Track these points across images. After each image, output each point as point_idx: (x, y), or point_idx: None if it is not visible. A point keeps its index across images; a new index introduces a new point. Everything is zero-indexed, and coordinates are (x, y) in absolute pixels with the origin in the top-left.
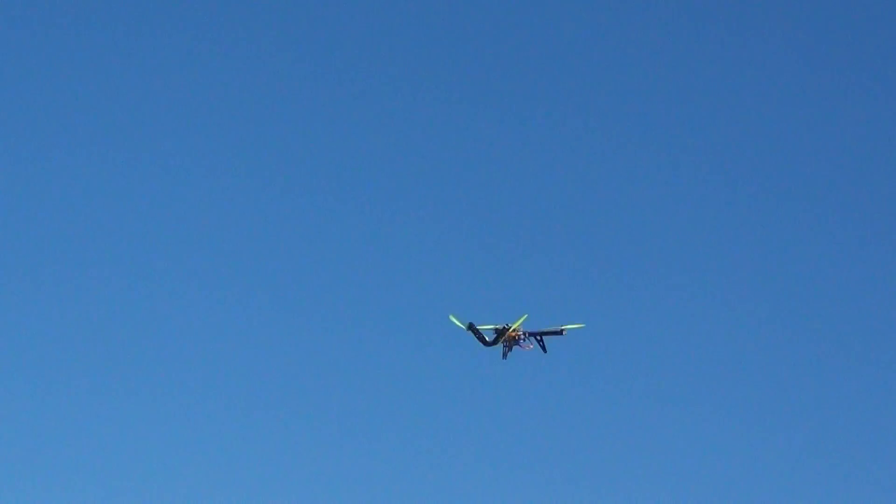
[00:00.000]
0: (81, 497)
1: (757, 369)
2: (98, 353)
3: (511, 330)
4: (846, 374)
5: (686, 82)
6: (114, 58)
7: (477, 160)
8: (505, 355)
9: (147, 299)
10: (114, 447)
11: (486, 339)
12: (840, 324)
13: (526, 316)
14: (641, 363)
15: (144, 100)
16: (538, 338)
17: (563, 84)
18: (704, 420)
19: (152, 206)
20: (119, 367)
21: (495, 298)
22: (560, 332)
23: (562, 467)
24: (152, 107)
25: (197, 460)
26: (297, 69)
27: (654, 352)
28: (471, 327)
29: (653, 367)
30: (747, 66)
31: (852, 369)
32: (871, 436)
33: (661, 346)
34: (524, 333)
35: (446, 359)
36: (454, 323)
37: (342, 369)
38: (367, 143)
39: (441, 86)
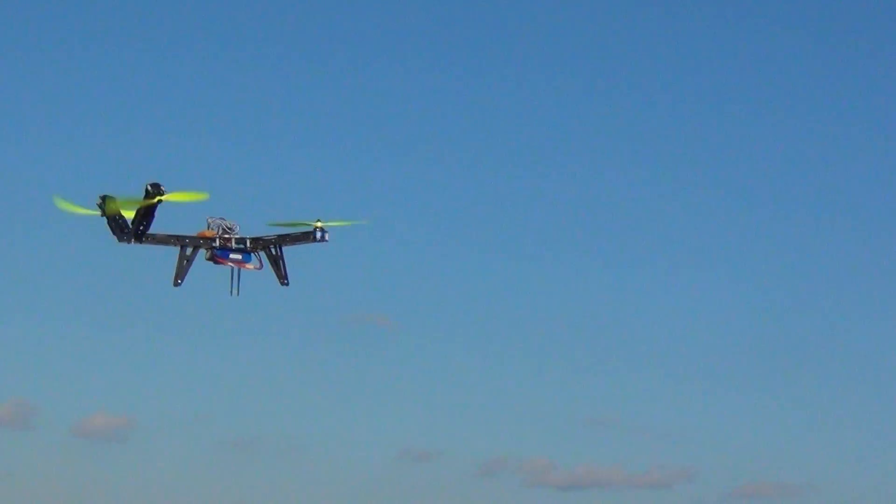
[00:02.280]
0: None
1: None
2: None
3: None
4: None
5: None
6: None
7: None
8: (181, 276)
9: None
10: None
11: (121, 226)
12: None
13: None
14: None
15: None
16: (272, 253)
17: None
18: None
19: None
20: None
21: None
22: (313, 236)
23: None
24: None
25: None
26: None
27: None
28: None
29: None
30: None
31: None
32: None
33: None
34: (239, 239)
35: None
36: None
37: None
38: None
39: None
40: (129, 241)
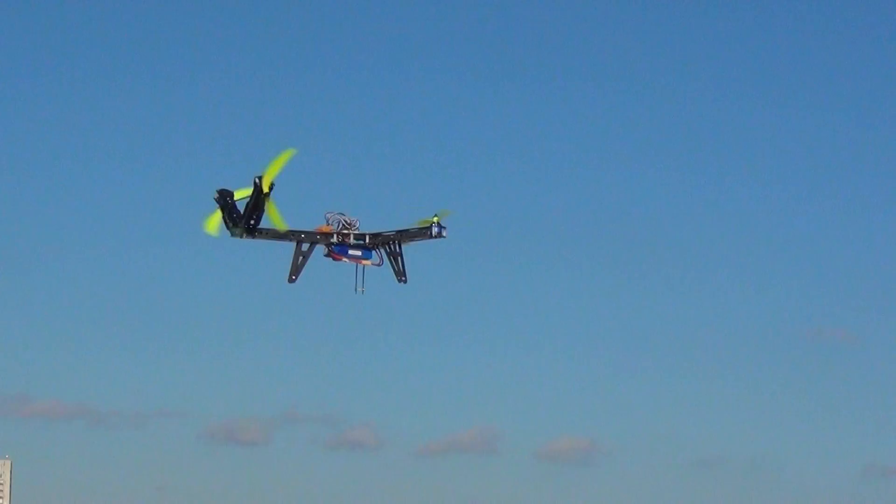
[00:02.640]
0: None
1: None
2: None
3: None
4: None
5: None
6: None
7: None
8: (296, 272)
9: None
10: None
11: (232, 216)
12: None
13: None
14: None
15: None
16: (391, 248)
17: None
18: None
19: None
20: None
21: None
22: (430, 232)
23: None
24: None
25: None
26: None
27: None
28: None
29: None
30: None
31: None
32: None
33: None
34: (358, 235)
35: None
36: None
37: None
38: None
39: None
40: (241, 236)
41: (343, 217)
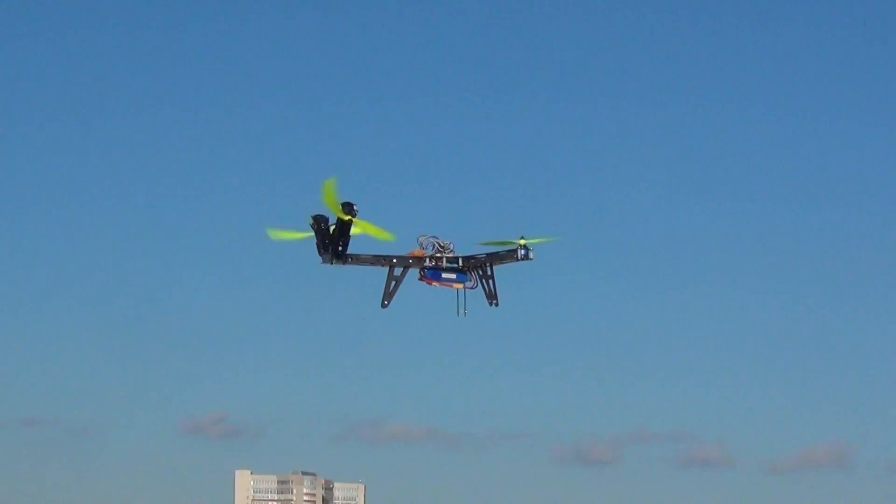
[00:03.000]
0: None
1: None
2: None
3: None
4: None
5: None
6: None
7: None
8: (388, 298)
9: None
10: None
11: (325, 243)
12: None
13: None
14: None
15: None
16: (483, 271)
17: None
18: None
19: None
20: None
21: None
22: (517, 255)
23: None
24: None
25: None
26: None
27: None
28: (317, 223)
29: None
30: None
31: None
32: None
33: None
34: (452, 258)
35: None
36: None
37: None
38: None
39: None
40: (330, 262)
41: (437, 240)
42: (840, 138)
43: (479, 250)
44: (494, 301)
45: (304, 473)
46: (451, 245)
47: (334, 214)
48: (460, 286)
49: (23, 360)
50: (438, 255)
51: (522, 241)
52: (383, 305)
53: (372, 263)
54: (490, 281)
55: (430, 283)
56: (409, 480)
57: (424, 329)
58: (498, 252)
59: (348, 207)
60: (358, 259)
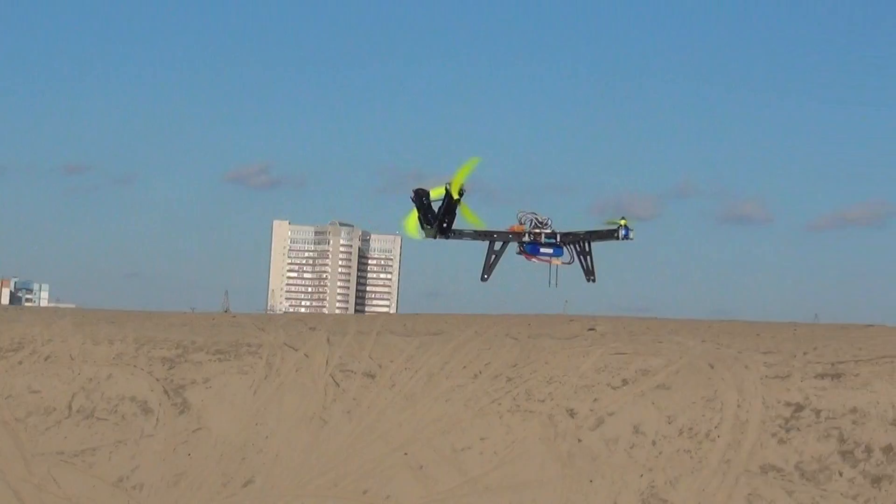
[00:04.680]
0: None
1: None
2: None
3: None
4: None
5: None
6: None
7: None
8: (488, 271)
9: None
10: None
11: (427, 218)
12: None
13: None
14: None
15: None
16: (580, 247)
17: None
18: None
19: None
20: None
21: None
22: (617, 234)
23: None
24: None
25: None
26: None
27: None
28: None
29: None
30: None
31: None
32: None
33: None
34: (550, 234)
35: None
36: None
37: None
38: None
39: None
40: (434, 237)
41: (535, 216)
42: None
43: (578, 227)
44: (592, 277)
45: (341, 224)
46: (550, 221)
47: (446, 190)
48: (557, 262)
49: (66, 107)
50: (537, 230)
51: (623, 221)
52: (483, 279)
53: (473, 238)
54: (588, 257)
55: (529, 259)
56: None
57: None
58: (597, 230)
59: (461, 189)
60: (460, 234)
